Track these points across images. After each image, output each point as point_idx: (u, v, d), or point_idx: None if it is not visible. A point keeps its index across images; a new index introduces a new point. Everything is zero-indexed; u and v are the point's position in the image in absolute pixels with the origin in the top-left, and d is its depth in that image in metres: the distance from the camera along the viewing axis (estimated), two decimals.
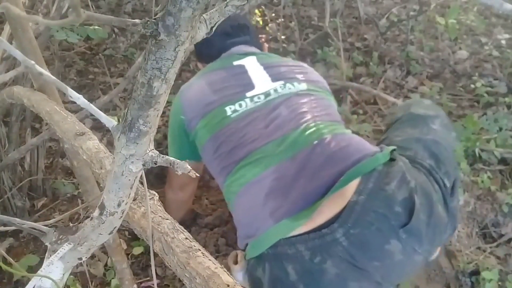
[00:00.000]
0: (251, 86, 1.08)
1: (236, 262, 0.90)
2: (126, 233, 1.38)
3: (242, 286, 0.52)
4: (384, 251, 0.85)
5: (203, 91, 1.10)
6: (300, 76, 1.13)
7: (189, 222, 1.43)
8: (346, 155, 0.93)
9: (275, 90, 1.07)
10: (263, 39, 1.37)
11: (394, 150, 0.95)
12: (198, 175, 0.48)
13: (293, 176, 0.91)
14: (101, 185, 0.90)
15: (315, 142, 0.95)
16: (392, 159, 0.93)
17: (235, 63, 1.15)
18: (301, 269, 0.84)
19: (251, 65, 1.14)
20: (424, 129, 1.05)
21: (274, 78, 1.10)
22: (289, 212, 0.88)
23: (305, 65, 1.24)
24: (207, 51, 1.23)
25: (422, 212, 0.87)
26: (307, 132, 0.97)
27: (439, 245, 0.96)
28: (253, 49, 1.23)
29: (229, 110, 1.04)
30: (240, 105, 1.04)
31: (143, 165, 0.48)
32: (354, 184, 0.88)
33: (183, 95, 1.14)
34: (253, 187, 0.93)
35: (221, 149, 1.01)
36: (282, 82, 1.10)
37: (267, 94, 1.07)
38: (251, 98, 1.06)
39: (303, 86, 1.10)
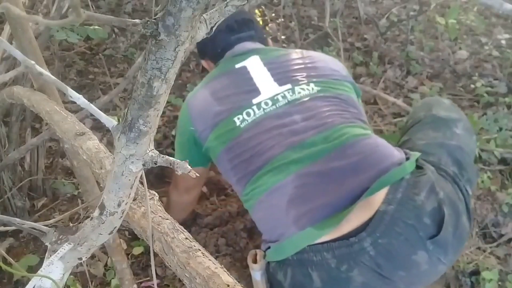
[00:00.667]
0: (256, 92, 1.05)
1: (255, 261, 0.90)
2: (126, 233, 1.38)
3: (242, 286, 0.52)
4: (411, 261, 0.85)
5: (208, 101, 1.08)
6: (308, 75, 1.08)
7: (189, 222, 1.43)
8: (372, 163, 0.91)
9: (284, 96, 1.03)
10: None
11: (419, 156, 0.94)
12: (198, 174, 0.47)
13: (316, 183, 0.90)
14: (101, 185, 0.90)
15: (337, 148, 0.93)
16: (418, 166, 0.93)
17: (238, 65, 1.11)
18: (327, 276, 0.84)
19: (254, 66, 1.10)
20: (447, 133, 1.03)
21: (281, 82, 1.06)
22: (313, 220, 0.87)
23: (314, 54, 1.18)
24: (212, 48, 1.19)
25: (450, 223, 0.87)
26: (328, 138, 0.95)
27: (460, 253, 0.96)
28: (257, 45, 1.19)
29: (237, 120, 1.01)
30: (248, 114, 1.02)
31: (143, 165, 0.48)
32: (382, 193, 0.87)
33: (190, 106, 1.11)
34: (274, 194, 0.92)
35: (236, 159, 0.99)
36: (289, 86, 1.05)
37: (275, 101, 1.03)
38: (258, 105, 1.02)
39: (313, 88, 1.05)
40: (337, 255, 0.84)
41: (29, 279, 0.55)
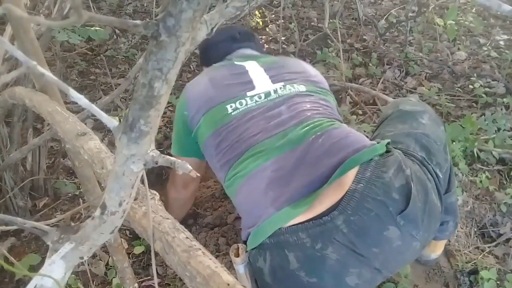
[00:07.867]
0: (251, 86, 1.12)
1: (237, 255, 0.91)
2: (127, 232, 1.39)
3: (243, 286, 0.52)
4: (383, 237, 0.86)
5: (205, 86, 1.14)
6: (299, 77, 1.16)
7: (190, 221, 1.44)
8: (344, 146, 0.95)
9: (275, 91, 1.10)
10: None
11: (389, 143, 0.97)
12: (198, 174, 0.48)
13: (293, 166, 0.94)
14: (102, 185, 0.91)
15: (314, 135, 0.97)
16: (388, 151, 0.95)
17: (237, 63, 1.20)
18: (303, 256, 0.85)
19: (252, 67, 1.18)
20: (413, 123, 1.07)
21: (274, 80, 1.14)
22: (290, 201, 0.89)
23: (305, 63, 1.27)
24: (214, 54, 1.30)
25: (418, 199, 0.89)
26: (307, 127, 1.00)
27: (434, 234, 0.98)
28: (255, 53, 1.31)
29: (230, 108, 1.07)
30: (241, 103, 1.07)
31: (144, 165, 0.48)
32: (352, 173, 0.90)
33: (187, 91, 1.18)
34: (254, 178, 0.95)
35: (222, 144, 1.03)
36: (282, 83, 1.13)
37: (267, 94, 1.10)
38: (251, 97, 1.09)
39: (302, 87, 1.13)
40: (311, 234, 0.85)
41: (30, 278, 0.55)
